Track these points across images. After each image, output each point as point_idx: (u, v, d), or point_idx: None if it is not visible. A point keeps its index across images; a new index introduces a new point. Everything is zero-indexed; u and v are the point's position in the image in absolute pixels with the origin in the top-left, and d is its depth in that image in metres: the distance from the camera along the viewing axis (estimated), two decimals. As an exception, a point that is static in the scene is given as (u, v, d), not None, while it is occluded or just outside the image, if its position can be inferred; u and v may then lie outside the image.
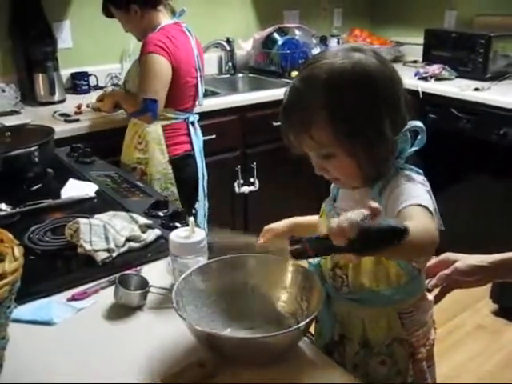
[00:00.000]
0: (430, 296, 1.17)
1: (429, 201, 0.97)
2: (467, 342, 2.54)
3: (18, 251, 0.88)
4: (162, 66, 2.19)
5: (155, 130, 2.29)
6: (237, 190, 2.87)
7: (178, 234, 1.14)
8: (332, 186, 1.19)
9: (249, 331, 1.05)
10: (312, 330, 1.21)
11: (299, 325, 0.95)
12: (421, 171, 1.07)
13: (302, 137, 1.01)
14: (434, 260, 1.22)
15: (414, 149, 1.05)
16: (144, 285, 1.16)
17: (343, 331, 1.12)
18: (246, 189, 2.82)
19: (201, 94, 2.45)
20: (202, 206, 2.52)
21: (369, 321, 1.09)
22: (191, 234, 1.13)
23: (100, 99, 2.48)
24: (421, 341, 1.12)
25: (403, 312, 1.09)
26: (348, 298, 1.10)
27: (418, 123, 1.03)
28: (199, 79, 2.39)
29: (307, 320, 0.94)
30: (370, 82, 0.98)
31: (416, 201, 0.94)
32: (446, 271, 1.18)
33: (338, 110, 0.97)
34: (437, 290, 1.21)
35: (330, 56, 1.01)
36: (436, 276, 1.19)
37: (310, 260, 1.16)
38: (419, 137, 1.04)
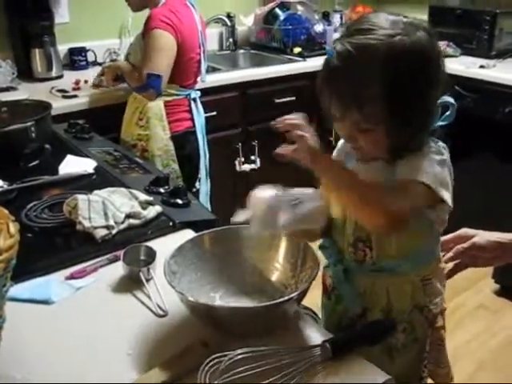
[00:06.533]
0: (442, 264, 1.17)
1: (433, 175, 0.97)
2: (468, 322, 2.52)
3: (13, 227, 0.85)
4: (167, 41, 2.15)
5: (157, 105, 2.25)
6: (238, 168, 2.83)
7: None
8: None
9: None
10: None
11: (292, 294, 0.93)
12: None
13: (349, 108, 0.97)
14: (451, 235, 1.20)
15: (440, 123, 1.04)
16: (152, 256, 1.14)
17: (366, 304, 1.12)
18: (247, 167, 2.79)
19: (203, 70, 2.41)
20: (204, 183, 2.49)
21: (393, 289, 1.10)
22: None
23: (101, 74, 2.43)
24: (438, 308, 1.14)
25: (425, 278, 1.11)
26: (372, 269, 1.10)
27: (450, 99, 1.03)
28: (202, 55, 2.35)
29: (300, 289, 0.94)
30: (428, 63, 0.97)
31: (414, 176, 0.96)
32: (464, 245, 1.16)
33: (395, 89, 0.94)
34: (450, 265, 1.19)
35: (385, 25, 0.96)
36: (453, 250, 1.17)
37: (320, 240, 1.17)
38: (448, 112, 1.03)
